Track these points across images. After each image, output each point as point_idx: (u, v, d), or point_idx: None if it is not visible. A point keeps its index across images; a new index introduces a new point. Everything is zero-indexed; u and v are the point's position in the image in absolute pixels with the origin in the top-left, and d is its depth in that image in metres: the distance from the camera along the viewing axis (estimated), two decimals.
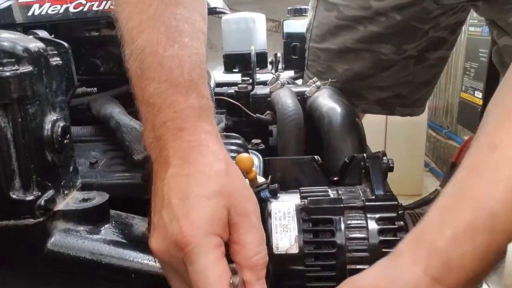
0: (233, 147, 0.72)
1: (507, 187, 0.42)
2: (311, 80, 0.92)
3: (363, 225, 0.51)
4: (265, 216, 0.54)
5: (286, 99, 0.83)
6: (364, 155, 0.59)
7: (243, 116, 0.90)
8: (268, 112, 0.91)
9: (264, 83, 0.99)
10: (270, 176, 0.58)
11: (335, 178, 0.65)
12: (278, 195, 0.56)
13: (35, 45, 0.51)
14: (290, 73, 1.25)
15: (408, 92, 1.10)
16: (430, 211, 0.46)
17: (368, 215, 0.52)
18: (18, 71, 0.46)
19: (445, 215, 0.44)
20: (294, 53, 1.21)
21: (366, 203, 0.53)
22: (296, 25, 1.23)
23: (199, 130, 0.46)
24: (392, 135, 2.17)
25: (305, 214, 0.52)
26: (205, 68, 0.51)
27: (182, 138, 0.46)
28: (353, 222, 0.52)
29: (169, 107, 0.47)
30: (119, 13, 0.50)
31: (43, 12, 0.72)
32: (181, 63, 0.48)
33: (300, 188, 0.57)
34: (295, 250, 0.51)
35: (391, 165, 0.58)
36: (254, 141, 0.82)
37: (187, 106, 0.47)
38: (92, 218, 0.54)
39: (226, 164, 0.46)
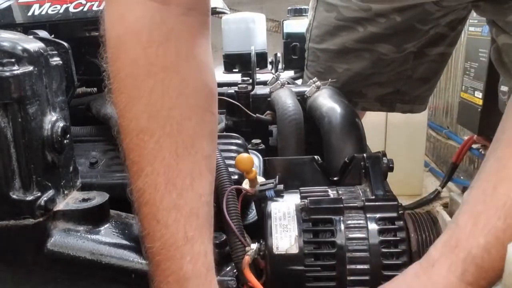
0: (233, 147, 0.72)
1: None
2: (311, 80, 0.92)
3: (363, 225, 0.51)
4: (265, 216, 0.54)
5: (286, 99, 0.83)
6: (364, 155, 0.59)
7: (243, 116, 0.90)
8: (268, 112, 0.91)
9: (264, 83, 0.99)
10: (277, 177, 0.58)
11: (335, 178, 0.65)
12: (282, 194, 0.56)
13: (35, 45, 0.51)
14: (290, 73, 1.25)
15: (408, 88, 1.09)
16: (461, 216, 0.47)
17: (368, 215, 0.52)
18: (18, 71, 0.46)
19: (478, 224, 0.45)
20: (294, 53, 1.21)
21: (366, 203, 0.53)
22: (296, 25, 1.23)
23: None
24: (392, 135, 2.17)
25: (305, 214, 0.52)
26: (206, 211, 0.49)
27: None
28: (353, 222, 0.52)
29: (162, 274, 0.47)
30: (122, 140, 0.48)
31: (43, 12, 0.72)
32: (177, 217, 0.46)
33: (300, 188, 0.57)
34: (295, 250, 0.51)
35: (391, 165, 0.58)
36: (254, 141, 0.82)
37: (180, 277, 0.46)
38: (92, 218, 0.54)
39: None
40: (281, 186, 0.56)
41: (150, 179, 0.47)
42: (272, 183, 0.56)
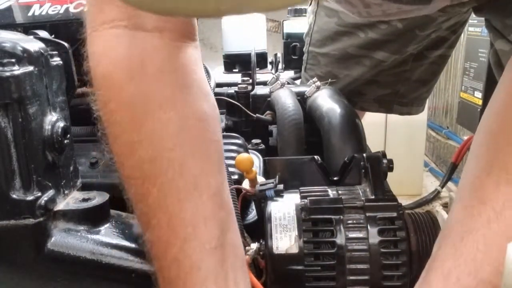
0: (233, 147, 0.72)
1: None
2: (311, 80, 0.92)
3: (363, 225, 0.51)
4: (265, 216, 0.54)
5: (286, 99, 0.83)
6: (364, 155, 0.59)
7: (243, 116, 0.90)
8: (268, 112, 0.91)
9: (264, 83, 0.99)
10: (277, 176, 0.58)
11: (335, 178, 0.65)
12: (282, 194, 0.56)
13: (35, 45, 0.51)
14: (290, 73, 1.25)
15: (406, 90, 1.09)
16: (432, 274, 0.44)
17: (368, 215, 0.52)
18: (19, 71, 0.46)
19: (448, 283, 0.42)
20: (294, 53, 1.22)
21: (366, 203, 0.53)
22: (296, 25, 1.23)
23: None
24: (392, 135, 2.17)
25: (305, 214, 0.52)
26: (212, 260, 0.45)
27: None
28: (353, 222, 0.52)
29: None
30: (128, 189, 0.46)
31: (43, 12, 0.72)
32: (178, 274, 0.44)
33: (300, 188, 0.58)
34: (295, 250, 0.51)
35: (391, 165, 0.58)
36: (254, 141, 0.82)
37: None
38: (92, 218, 0.54)
39: None
40: (281, 186, 0.56)
41: (155, 232, 0.45)
42: (272, 183, 0.56)
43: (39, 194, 0.49)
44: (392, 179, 0.61)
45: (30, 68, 0.48)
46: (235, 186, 0.59)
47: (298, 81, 1.18)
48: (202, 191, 0.46)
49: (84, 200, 0.55)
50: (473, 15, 1.00)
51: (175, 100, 0.46)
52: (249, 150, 0.76)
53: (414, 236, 0.52)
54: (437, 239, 0.47)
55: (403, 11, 0.73)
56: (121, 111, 0.45)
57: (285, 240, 0.51)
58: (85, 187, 0.59)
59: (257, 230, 0.57)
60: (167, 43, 0.46)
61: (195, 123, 0.47)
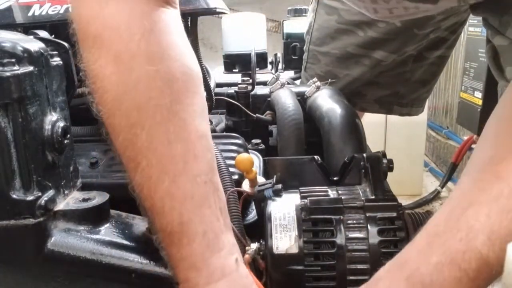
0: (233, 147, 0.72)
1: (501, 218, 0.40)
2: (311, 80, 0.92)
3: (363, 225, 0.51)
4: (265, 216, 0.54)
5: (286, 99, 0.83)
6: (364, 155, 0.59)
7: (243, 116, 0.90)
8: (268, 112, 0.91)
9: (264, 83, 0.99)
10: (275, 176, 0.58)
11: (335, 178, 0.65)
12: (281, 194, 0.56)
13: (35, 45, 0.51)
14: (290, 73, 1.25)
15: (406, 91, 1.10)
16: (418, 234, 0.44)
17: (368, 215, 0.52)
18: (19, 71, 0.46)
19: (433, 242, 0.42)
20: (294, 53, 1.22)
21: (366, 203, 0.53)
22: (296, 25, 1.23)
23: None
24: (392, 135, 2.18)
25: (305, 214, 0.52)
26: (204, 191, 0.48)
27: None
28: (353, 222, 0.52)
29: (169, 260, 0.48)
30: (115, 138, 0.48)
31: (44, 13, 0.72)
32: (171, 204, 0.46)
33: (300, 188, 0.58)
34: (295, 250, 0.51)
35: (390, 165, 0.59)
36: (254, 141, 0.82)
37: (178, 259, 0.47)
38: (92, 218, 0.54)
39: None
40: (279, 186, 0.56)
41: (145, 172, 0.47)
42: (270, 183, 0.56)
43: (39, 194, 0.49)
44: (392, 179, 0.61)
45: (30, 68, 0.48)
46: (235, 189, 0.59)
47: (298, 81, 1.18)
48: (190, 133, 0.49)
49: (84, 200, 0.55)
50: (472, 15, 1.00)
51: (162, 55, 0.48)
52: (249, 150, 0.76)
53: (414, 236, 0.52)
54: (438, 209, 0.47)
55: (409, 13, 0.73)
56: (110, 66, 0.47)
57: (285, 240, 0.51)
58: (85, 187, 0.59)
59: (257, 230, 0.57)
60: (152, 7, 0.49)
61: (181, 76, 0.49)
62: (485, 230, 0.40)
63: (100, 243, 0.52)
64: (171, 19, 0.51)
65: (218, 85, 1.01)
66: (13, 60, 0.46)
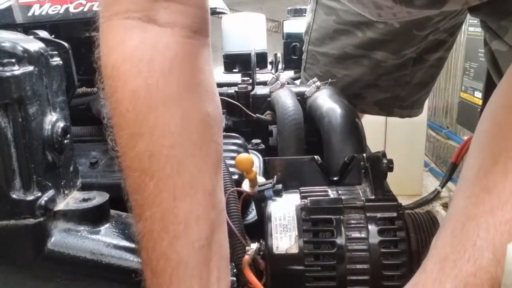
0: (233, 147, 0.72)
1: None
2: (311, 80, 0.92)
3: (363, 225, 0.51)
4: (265, 216, 0.54)
5: (286, 99, 0.83)
6: (364, 155, 0.59)
7: (243, 116, 0.90)
8: (268, 112, 0.91)
9: (264, 83, 0.99)
10: (275, 176, 0.58)
11: (335, 178, 0.65)
12: (281, 194, 0.56)
13: (35, 45, 0.51)
14: (290, 73, 1.25)
15: (406, 93, 1.10)
16: (428, 260, 0.43)
17: (368, 215, 0.52)
18: (19, 71, 0.46)
19: (445, 268, 0.41)
20: (294, 53, 1.22)
21: (366, 203, 0.53)
22: (296, 26, 1.23)
23: None
24: (392, 135, 2.18)
25: (305, 214, 0.52)
26: (199, 258, 0.47)
27: None
28: (353, 222, 0.52)
29: None
30: (125, 178, 0.47)
31: (43, 12, 0.72)
32: (164, 267, 0.45)
33: (300, 188, 0.58)
34: (295, 250, 0.51)
35: (390, 165, 0.58)
36: (254, 141, 0.82)
37: None
38: (92, 218, 0.54)
39: None
40: (279, 186, 0.56)
41: (148, 224, 0.46)
42: (270, 183, 0.56)
43: (39, 194, 0.49)
44: (392, 179, 0.61)
45: (30, 68, 0.48)
46: (235, 188, 0.59)
47: (298, 81, 1.18)
48: (197, 190, 0.47)
49: (84, 200, 0.55)
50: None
51: (180, 98, 0.47)
52: (249, 150, 0.76)
53: (414, 236, 0.52)
54: (438, 230, 0.46)
55: (412, 15, 0.73)
56: (126, 102, 0.46)
57: (285, 240, 0.51)
58: (85, 187, 0.59)
59: (257, 230, 0.57)
60: (178, 40, 0.47)
61: (198, 124, 0.48)
62: (489, 247, 0.39)
63: (100, 243, 0.52)
64: (198, 54, 0.49)
65: (218, 85, 1.00)
66: (13, 60, 0.46)
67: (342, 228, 0.51)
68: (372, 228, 0.51)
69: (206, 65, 0.50)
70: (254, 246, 0.53)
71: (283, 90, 0.88)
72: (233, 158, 0.62)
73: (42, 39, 0.55)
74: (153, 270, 0.46)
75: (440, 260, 0.42)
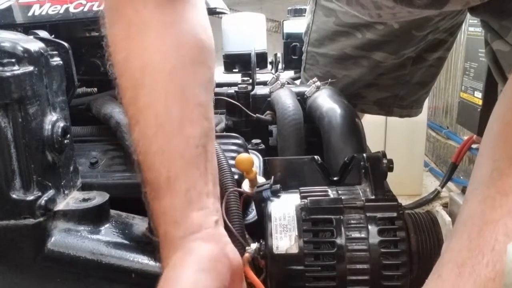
0: (233, 147, 0.72)
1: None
2: (311, 80, 0.92)
3: (363, 225, 0.51)
4: (265, 216, 0.54)
5: (286, 99, 0.83)
6: (364, 155, 0.59)
7: (243, 116, 0.90)
8: (268, 112, 0.91)
9: (264, 83, 0.99)
10: (272, 177, 0.58)
11: (335, 178, 0.65)
12: (279, 195, 0.56)
13: (35, 45, 0.51)
14: (290, 73, 1.25)
15: (406, 93, 1.10)
16: (445, 266, 0.42)
17: (368, 215, 0.52)
18: (19, 71, 0.46)
19: (463, 273, 0.40)
20: (294, 53, 1.22)
21: (366, 203, 0.53)
22: (296, 25, 1.23)
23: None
24: (392, 135, 2.17)
25: (305, 214, 0.52)
26: (195, 153, 0.49)
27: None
28: (353, 222, 0.52)
29: (152, 215, 0.49)
30: (121, 97, 0.50)
31: (43, 13, 0.72)
32: (161, 160, 0.48)
33: (300, 188, 0.58)
34: (295, 250, 0.51)
35: (390, 165, 0.58)
36: (254, 141, 0.82)
37: (160, 213, 0.47)
38: (92, 218, 0.54)
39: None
40: (277, 186, 0.56)
41: (142, 129, 0.48)
42: (268, 183, 0.56)
43: (39, 194, 0.49)
44: (392, 179, 0.60)
45: (30, 68, 0.48)
46: (235, 189, 0.58)
47: (298, 81, 1.18)
48: (188, 98, 0.50)
49: (84, 200, 0.55)
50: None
51: (173, 23, 0.50)
52: (249, 150, 0.76)
53: (414, 236, 0.52)
54: (450, 236, 0.45)
55: (413, 15, 0.73)
56: (122, 31, 0.50)
57: (285, 240, 0.51)
58: (85, 187, 0.59)
59: (257, 230, 0.57)
60: None
61: (190, 46, 0.51)
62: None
63: (100, 243, 0.52)
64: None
65: (218, 85, 1.01)
66: (13, 60, 0.47)
67: (342, 228, 0.51)
68: (372, 228, 0.51)
69: (199, 6, 0.54)
70: (254, 246, 0.53)
71: (283, 90, 0.88)
72: (233, 158, 0.62)
73: (42, 39, 0.55)
74: (150, 166, 0.48)
75: (458, 265, 0.40)
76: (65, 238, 0.51)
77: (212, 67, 0.54)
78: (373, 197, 0.55)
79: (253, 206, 0.65)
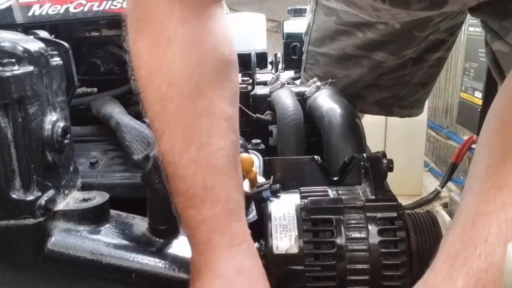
0: None
1: None
2: (311, 80, 0.92)
3: (363, 225, 0.51)
4: (265, 216, 0.54)
5: (286, 99, 0.83)
6: (364, 155, 0.59)
7: (243, 116, 0.90)
8: (268, 112, 0.91)
9: (264, 83, 0.99)
10: (272, 177, 0.58)
11: (335, 178, 0.65)
12: (279, 195, 0.56)
13: (35, 45, 0.51)
14: (290, 73, 1.25)
15: (406, 93, 1.10)
16: (438, 258, 0.43)
17: (368, 215, 0.52)
18: (19, 71, 0.46)
19: (455, 265, 0.40)
20: (294, 53, 1.22)
21: (366, 203, 0.53)
22: (296, 25, 1.23)
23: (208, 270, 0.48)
24: (392, 135, 2.18)
25: (305, 214, 0.52)
26: (227, 163, 0.50)
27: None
28: (353, 222, 0.52)
29: (186, 223, 0.49)
30: (146, 111, 0.51)
31: (44, 12, 0.72)
32: (195, 170, 0.48)
33: (300, 188, 0.58)
34: (295, 250, 0.51)
35: (390, 165, 0.59)
36: (254, 141, 0.82)
37: (199, 221, 0.48)
38: (92, 218, 0.54)
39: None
40: (277, 186, 0.56)
41: (170, 140, 0.49)
42: (268, 183, 0.56)
43: (39, 194, 0.49)
44: (392, 179, 0.61)
45: (30, 68, 0.48)
46: None
47: (298, 81, 1.18)
48: (215, 112, 0.50)
49: (84, 200, 0.55)
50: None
51: (197, 40, 0.51)
52: (249, 150, 0.76)
53: (414, 236, 0.52)
54: (447, 228, 0.46)
55: (411, 16, 0.73)
56: (146, 47, 0.50)
57: (285, 240, 0.51)
58: (85, 187, 0.59)
59: (257, 230, 0.57)
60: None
61: (214, 61, 0.51)
62: (501, 243, 0.39)
63: (100, 243, 0.52)
64: (214, 5, 0.53)
65: None
66: (13, 60, 0.46)
67: (342, 228, 0.51)
68: (372, 228, 0.51)
69: (220, 17, 0.54)
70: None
71: (283, 90, 0.88)
72: None
73: (42, 39, 0.55)
74: (181, 177, 0.48)
75: (451, 257, 0.41)
76: (65, 238, 0.51)
77: (236, 82, 0.55)
78: (373, 197, 0.55)
79: (253, 206, 0.65)
